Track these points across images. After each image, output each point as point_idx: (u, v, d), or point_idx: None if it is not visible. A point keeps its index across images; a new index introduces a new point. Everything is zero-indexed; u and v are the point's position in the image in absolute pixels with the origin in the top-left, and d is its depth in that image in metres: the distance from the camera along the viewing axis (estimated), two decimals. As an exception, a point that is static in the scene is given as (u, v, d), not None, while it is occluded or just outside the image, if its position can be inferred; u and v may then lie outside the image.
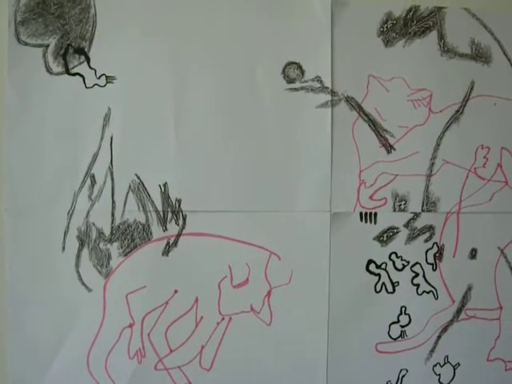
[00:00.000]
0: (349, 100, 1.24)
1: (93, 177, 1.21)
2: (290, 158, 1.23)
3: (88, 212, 1.21)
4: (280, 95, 1.23)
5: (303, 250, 1.24)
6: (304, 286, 1.24)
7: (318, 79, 1.23)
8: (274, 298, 1.23)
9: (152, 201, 1.21)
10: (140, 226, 1.21)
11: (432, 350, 1.28)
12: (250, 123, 1.22)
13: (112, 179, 1.21)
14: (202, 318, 1.22)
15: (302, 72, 1.23)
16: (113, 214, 1.21)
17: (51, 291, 1.21)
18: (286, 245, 1.23)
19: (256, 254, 1.23)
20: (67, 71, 1.21)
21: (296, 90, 1.23)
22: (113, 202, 1.21)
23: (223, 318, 1.23)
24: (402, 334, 1.27)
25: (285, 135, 1.23)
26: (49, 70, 1.20)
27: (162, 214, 1.21)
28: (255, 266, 1.23)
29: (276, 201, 1.23)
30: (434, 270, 1.27)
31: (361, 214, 1.25)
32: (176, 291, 1.22)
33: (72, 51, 1.22)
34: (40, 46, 1.20)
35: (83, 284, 1.21)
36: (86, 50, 1.21)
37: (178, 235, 1.21)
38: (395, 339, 1.27)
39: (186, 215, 1.21)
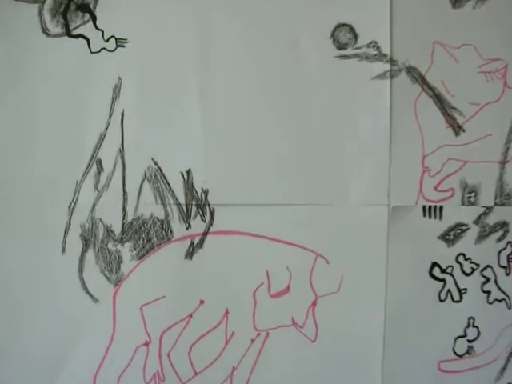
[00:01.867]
0: (410, 71, 0.90)
1: (99, 162, 0.87)
2: (340, 139, 0.88)
3: (93, 205, 0.87)
4: (328, 64, 0.88)
5: (356, 252, 0.89)
6: (356, 294, 0.90)
7: (375, 45, 0.89)
8: (321, 309, 0.90)
9: (172, 192, 0.87)
10: (158, 223, 0.87)
11: (504, 368, 0.95)
12: (291, 98, 0.87)
13: (123, 165, 0.87)
14: (233, 333, 0.89)
15: (355, 36, 0.89)
16: (124, 208, 0.87)
17: (49, 302, 0.86)
18: (335, 245, 0.89)
19: (299, 256, 0.89)
20: (68, 33, 0.84)
21: (347, 57, 0.89)
22: (124, 193, 0.87)
23: (259, 334, 0.89)
24: (469, 350, 0.94)
25: (334, 113, 0.88)
26: (45, 31, 0.84)
27: (184, 207, 0.87)
28: (298, 270, 0.89)
29: (323, 192, 0.88)
30: (508, 274, 0.94)
31: (424, 207, 0.91)
32: (202, 302, 0.88)
33: (74, 8, 0.87)
34: (34, 1, 0.86)
35: (88, 293, 0.87)
36: (91, 6, 0.87)
37: (205, 234, 0.88)
38: (461, 356, 0.93)
39: (213, 209, 0.88)
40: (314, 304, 0.85)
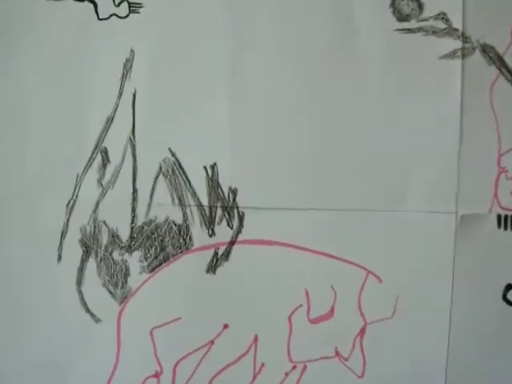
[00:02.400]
0: (486, 49, 0.71)
1: (105, 152, 0.70)
2: (398, 132, 0.70)
3: (97, 205, 0.70)
4: (387, 39, 0.70)
5: (414, 269, 0.71)
6: (413, 321, 0.71)
7: (443, 17, 0.70)
8: (370, 338, 0.71)
9: (193, 190, 0.69)
10: (174, 228, 0.69)
11: None
12: (339, 83, 0.69)
13: (133, 156, 0.69)
14: (262, 365, 0.70)
15: (420, 6, 0.71)
16: (133, 209, 0.69)
17: (41, 320, 0.70)
18: (389, 260, 0.71)
19: (346, 273, 0.70)
20: (71, -6, 0.69)
21: (411, 31, 0.71)
22: (134, 190, 0.69)
23: (294, 367, 0.71)
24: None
25: (390, 100, 0.70)
26: (44, -7, 0.68)
27: (207, 210, 0.69)
28: (344, 290, 0.71)
29: (376, 196, 0.70)
30: None
31: (499, 216, 0.72)
32: (226, 326, 0.70)
33: (79, -35, 0.70)
34: (32, -44, 0.68)
35: (88, 311, 0.69)
36: (99, -38, 0.69)
37: (232, 243, 0.70)
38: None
39: (243, 213, 0.69)
40: (363, 332, 0.66)
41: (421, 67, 0.68)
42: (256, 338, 0.67)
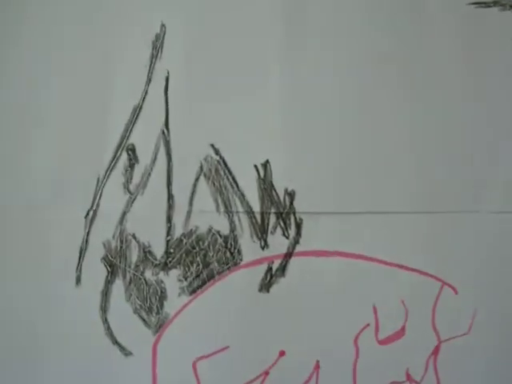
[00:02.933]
0: None
1: (132, 150, 0.56)
2: (471, 125, 0.59)
3: (123, 215, 0.56)
4: (459, 15, 0.59)
5: (493, 278, 0.61)
6: (494, 335, 0.61)
7: None
8: (445, 357, 0.60)
9: (242, 194, 0.56)
10: (220, 240, 0.56)
11: None
12: (407, 68, 0.58)
13: (168, 155, 0.56)
14: (324, 396, 0.59)
15: None
16: (169, 219, 0.56)
17: (60, 355, 0.56)
18: (466, 268, 0.60)
19: (419, 285, 0.59)
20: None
21: (486, 5, 0.60)
22: (169, 196, 0.56)
23: None
24: None
25: (465, 86, 0.59)
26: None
27: (259, 217, 0.56)
28: (417, 305, 0.59)
29: (448, 196, 0.59)
30: None
31: None
32: (282, 353, 0.58)
33: None
34: None
35: (116, 343, 0.56)
36: None
37: (288, 255, 0.57)
38: None
39: (301, 220, 0.57)
40: (437, 351, 0.56)
41: (496, 47, 0.57)
42: (317, 366, 0.55)
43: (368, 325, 0.56)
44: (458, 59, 0.57)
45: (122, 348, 0.54)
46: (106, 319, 0.54)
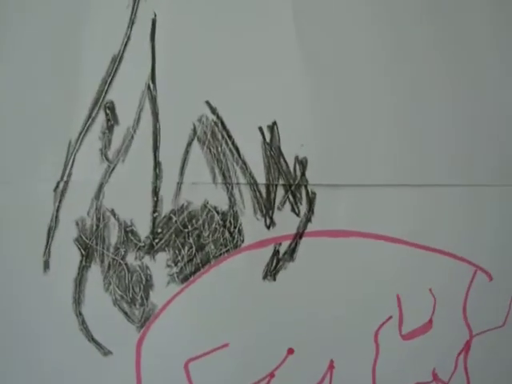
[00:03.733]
0: None
1: (110, 109, 0.44)
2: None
3: (100, 187, 0.44)
4: None
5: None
6: (531, 329, 0.51)
7: None
8: (476, 354, 0.50)
9: (243, 163, 0.45)
10: (217, 218, 0.45)
11: None
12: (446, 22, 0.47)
13: (154, 114, 0.44)
14: (339, 399, 0.48)
15: None
16: (156, 192, 0.44)
17: (26, 356, 0.45)
18: (503, 252, 0.50)
19: (449, 270, 0.49)
20: None
21: None
22: (156, 164, 0.44)
23: None
24: None
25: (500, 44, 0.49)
26: None
27: (264, 190, 0.45)
28: (446, 293, 0.49)
29: (484, 167, 0.49)
30: None
31: None
32: (291, 351, 0.47)
33: None
34: None
35: (92, 340, 0.45)
36: None
37: (298, 236, 0.46)
38: None
39: (314, 194, 0.46)
40: (468, 347, 0.46)
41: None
42: (331, 365, 0.45)
43: (390, 317, 0.46)
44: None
45: (99, 346, 0.43)
46: (79, 312, 0.43)
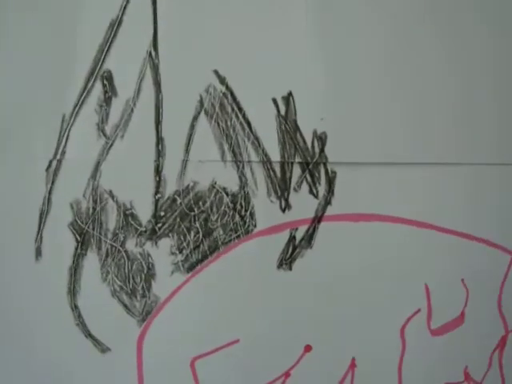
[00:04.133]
0: None
1: (108, 79, 0.39)
2: None
3: (97, 165, 0.39)
4: None
5: None
6: None
7: None
8: (512, 351, 0.45)
9: (256, 138, 0.40)
10: (226, 200, 0.40)
11: None
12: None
13: (156, 84, 0.39)
14: (362, 401, 0.43)
15: None
16: (158, 171, 0.39)
17: (17, 354, 0.40)
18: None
19: (483, 258, 0.44)
20: None
21: None
22: (158, 140, 0.39)
23: None
24: None
25: None
26: None
27: (279, 169, 0.40)
28: (480, 284, 0.44)
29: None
30: None
31: None
32: (308, 348, 0.42)
33: None
34: None
35: (89, 336, 0.40)
36: None
37: (316, 219, 0.41)
38: None
39: (334, 173, 0.41)
40: (503, 343, 0.41)
41: None
42: (353, 364, 0.40)
43: (418, 310, 0.41)
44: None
45: (96, 342, 0.38)
46: (75, 305, 0.38)
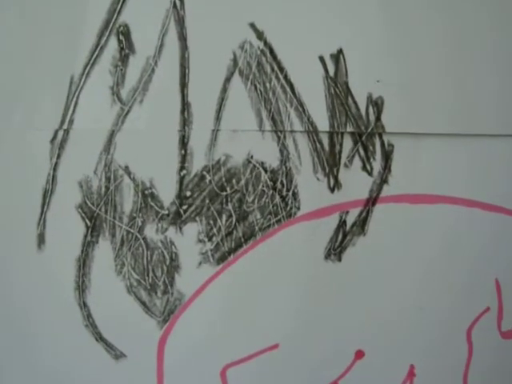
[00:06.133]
0: None
1: (124, 34, 0.31)
2: None
3: (111, 137, 0.31)
4: None
5: None
6: None
7: None
8: None
9: (301, 103, 0.32)
10: (264, 177, 0.32)
11: None
12: None
13: (182, 39, 0.31)
14: (420, 416, 0.35)
15: None
16: (184, 142, 0.31)
17: (18, 359, 0.31)
18: None
19: None
20: None
21: None
22: (184, 105, 0.31)
23: None
24: None
25: None
26: None
27: (327, 140, 0.32)
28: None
29: None
30: None
31: None
32: (360, 354, 0.33)
33: None
34: None
35: (101, 340, 0.32)
36: None
37: (371, 201, 0.33)
38: None
39: (391, 146, 0.32)
40: None
41: None
42: (411, 372, 0.31)
43: (488, 309, 0.32)
44: None
45: (109, 347, 0.30)
46: (84, 303, 0.29)
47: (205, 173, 0.31)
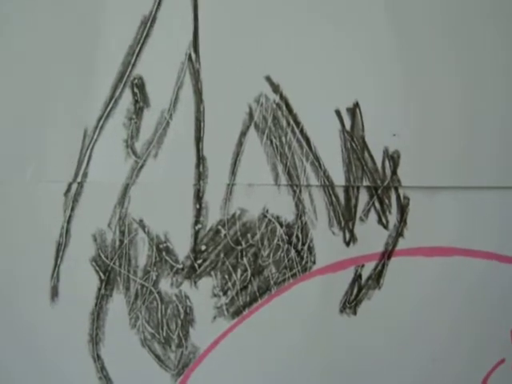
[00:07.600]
0: None
1: (139, 86, 0.29)
2: None
3: (125, 190, 0.30)
4: None
5: None
6: None
7: None
8: None
9: (316, 157, 0.30)
10: (280, 232, 0.30)
11: None
12: None
13: (197, 93, 0.30)
14: None
15: None
16: (199, 196, 0.30)
17: None
18: None
19: None
20: None
21: None
22: (199, 159, 0.30)
23: None
24: None
25: None
26: None
27: (343, 194, 0.30)
28: None
29: None
30: None
31: None
32: None
33: None
34: None
35: (114, 393, 0.30)
36: None
37: (386, 255, 0.31)
38: None
39: (407, 199, 0.31)
40: None
41: None
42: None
43: (503, 360, 0.30)
44: None
45: (123, 401, 0.28)
46: (98, 356, 0.28)
47: (220, 227, 0.30)
